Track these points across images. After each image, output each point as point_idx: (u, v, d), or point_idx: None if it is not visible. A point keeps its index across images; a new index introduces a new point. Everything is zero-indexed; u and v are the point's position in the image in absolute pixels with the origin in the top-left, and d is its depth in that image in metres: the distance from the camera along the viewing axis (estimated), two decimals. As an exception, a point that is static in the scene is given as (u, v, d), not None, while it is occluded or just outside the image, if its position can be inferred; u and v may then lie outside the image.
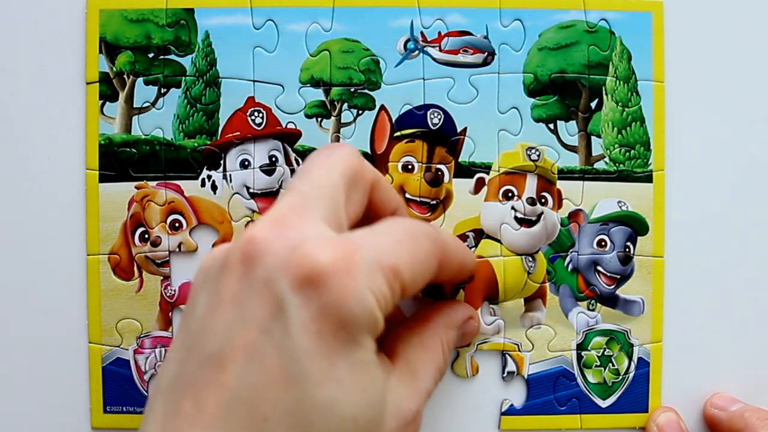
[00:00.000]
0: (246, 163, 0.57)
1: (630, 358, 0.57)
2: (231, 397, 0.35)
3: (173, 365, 0.38)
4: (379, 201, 0.46)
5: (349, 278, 0.36)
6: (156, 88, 0.56)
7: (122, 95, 0.56)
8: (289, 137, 0.57)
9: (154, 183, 0.56)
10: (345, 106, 0.57)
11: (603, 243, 0.58)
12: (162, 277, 0.57)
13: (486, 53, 0.57)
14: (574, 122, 0.57)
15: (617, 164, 0.57)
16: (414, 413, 0.41)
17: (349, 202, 0.43)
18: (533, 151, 0.57)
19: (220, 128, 0.56)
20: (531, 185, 0.57)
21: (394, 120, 0.57)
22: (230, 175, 0.56)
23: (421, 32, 0.56)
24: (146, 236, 0.57)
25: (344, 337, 0.36)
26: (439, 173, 0.57)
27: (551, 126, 0.57)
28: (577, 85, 0.57)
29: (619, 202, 0.57)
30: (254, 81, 0.56)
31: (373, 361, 0.38)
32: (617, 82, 0.57)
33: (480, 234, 0.57)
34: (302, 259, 0.36)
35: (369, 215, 0.46)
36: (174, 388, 0.37)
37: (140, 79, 0.56)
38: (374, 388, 0.38)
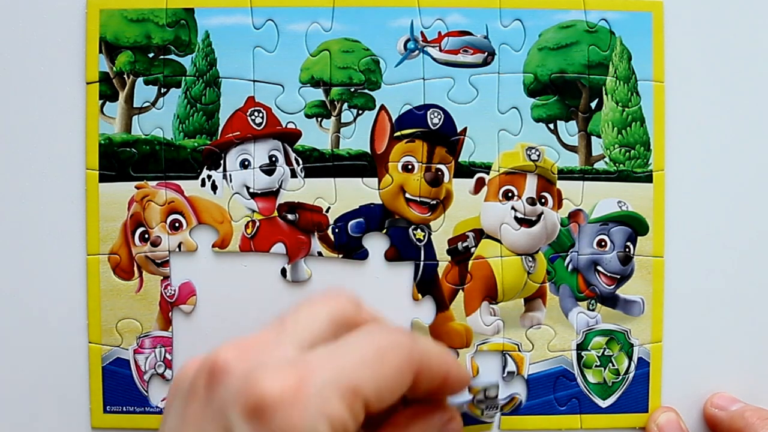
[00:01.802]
0: (246, 162, 0.57)
1: (630, 358, 0.57)
2: None
3: None
4: (425, 383, 0.43)
5: (296, 409, 0.36)
6: (156, 88, 0.56)
7: (122, 95, 0.56)
8: (289, 137, 0.57)
9: (154, 183, 0.56)
10: (345, 106, 0.57)
11: (603, 243, 0.58)
12: (162, 277, 0.57)
13: (486, 53, 0.57)
14: (574, 122, 0.57)
15: (617, 164, 0.57)
16: None
17: (389, 389, 0.40)
18: (533, 151, 0.57)
19: (220, 128, 0.56)
20: (531, 185, 0.57)
21: (394, 120, 0.57)
22: (230, 175, 0.56)
23: (421, 32, 0.56)
24: (146, 236, 0.57)
25: None
26: (439, 173, 0.57)
27: (551, 126, 0.57)
28: (577, 85, 0.57)
29: (619, 202, 0.57)
30: (254, 81, 0.56)
31: None
32: (617, 82, 0.57)
33: (480, 234, 0.57)
34: (252, 389, 0.36)
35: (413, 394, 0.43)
36: None
37: (140, 79, 0.56)
38: None
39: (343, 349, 0.39)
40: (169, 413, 0.40)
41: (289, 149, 0.57)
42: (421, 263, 0.57)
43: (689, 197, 0.57)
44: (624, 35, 0.57)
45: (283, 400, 0.36)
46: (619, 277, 0.57)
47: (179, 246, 0.57)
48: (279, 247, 0.56)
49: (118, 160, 0.56)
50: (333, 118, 0.57)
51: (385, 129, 0.57)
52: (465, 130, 0.57)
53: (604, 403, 0.57)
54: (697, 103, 0.57)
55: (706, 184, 0.58)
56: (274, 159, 0.57)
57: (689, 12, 0.57)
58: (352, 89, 0.57)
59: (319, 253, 0.57)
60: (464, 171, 0.57)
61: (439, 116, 0.57)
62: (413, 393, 0.42)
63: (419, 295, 0.57)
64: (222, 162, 0.57)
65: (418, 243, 0.57)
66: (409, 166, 0.57)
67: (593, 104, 0.58)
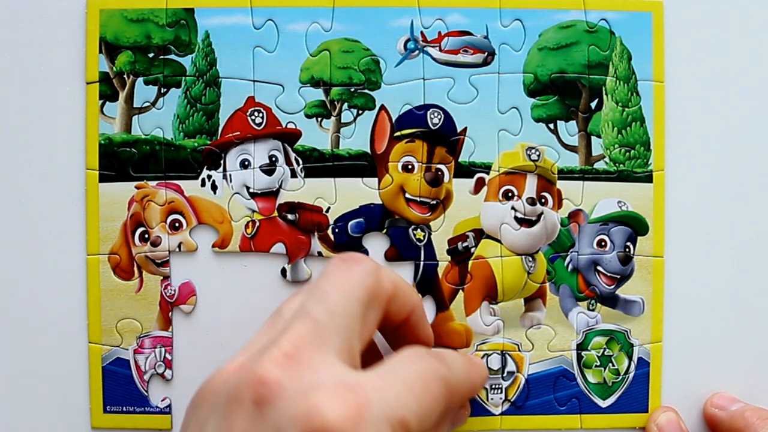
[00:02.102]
0: (246, 162, 0.57)
1: (630, 358, 0.57)
2: None
3: None
4: (395, 310, 0.46)
5: None
6: (156, 88, 0.56)
7: (122, 95, 0.56)
8: (289, 137, 0.57)
9: (154, 183, 0.56)
10: (345, 106, 0.57)
11: (603, 243, 0.58)
12: (162, 277, 0.57)
13: (486, 53, 0.57)
14: (574, 122, 0.57)
15: (617, 164, 0.57)
16: None
17: (365, 326, 0.43)
18: (533, 151, 0.57)
19: (220, 128, 0.56)
20: (531, 185, 0.57)
21: (394, 120, 0.57)
22: (230, 175, 0.56)
23: (421, 32, 0.56)
24: (146, 236, 0.57)
25: None
26: (439, 173, 0.57)
27: (551, 126, 0.57)
28: (577, 85, 0.57)
29: (619, 202, 0.57)
30: (254, 81, 0.56)
31: None
32: (617, 82, 0.57)
33: (480, 234, 0.57)
34: (313, 415, 0.36)
35: (384, 323, 0.46)
36: None
37: (140, 79, 0.56)
38: None
39: (392, 377, 0.40)
40: (208, 423, 0.39)
41: (289, 149, 0.57)
42: (421, 263, 0.57)
43: (689, 197, 0.57)
44: (624, 35, 0.57)
45: (345, 428, 0.36)
46: (619, 277, 0.57)
47: (179, 246, 0.57)
48: (279, 247, 0.56)
49: (118, 160, 0.56)
50: (333, 118, 0.57)
51: (385, 129, 0.57)
52: (465, 130, 0.57)
53: (604, 403, 0.57)
54: (697, 103, 0.57)
55: (706, 184, 0.58)
56: (274, 159, 0.57)
57: (689, 12, 0.57)
58: (352, 89, 0.57)
59: (319, 253, 0.57)
60: (464, 171, 0.57)
61: (439, 116, 0.57)
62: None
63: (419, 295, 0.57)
64: (222, 162, 0.57)
65: (418, 243, 0.57)
66: (409, 166, 0.57)
67: (593, 104, 0.58)
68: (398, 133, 0.57)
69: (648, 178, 0.57)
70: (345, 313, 0.41)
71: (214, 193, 0.57)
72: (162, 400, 0.57)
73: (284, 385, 0.37)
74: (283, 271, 0.56)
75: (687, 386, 0.57)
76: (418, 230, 0.57)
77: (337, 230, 0.57)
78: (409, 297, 0.47)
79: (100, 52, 0.56)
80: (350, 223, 0.57)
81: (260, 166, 0.57)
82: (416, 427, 0.39)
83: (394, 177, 0.57)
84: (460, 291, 0.57)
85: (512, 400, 0.57)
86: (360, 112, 0.57)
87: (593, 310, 0.58)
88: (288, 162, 0.57)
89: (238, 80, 0.56)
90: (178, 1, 0.56)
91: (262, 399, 0.37)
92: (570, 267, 0.58)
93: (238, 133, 0.56)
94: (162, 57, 0.56)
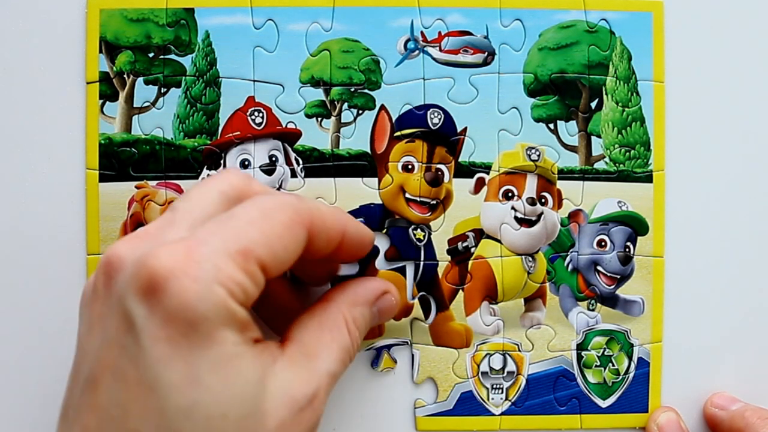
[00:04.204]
0: (246, 162, 0.57)
1: (630, 358, 0.57)
2: (104, 418, 0.37)
3: (66, 394, 0.40)
4: (317, 232, 0.42)
5: (188, 278, 0.36)
6: (156, 87, 0.56)
7: (122, 95, 0.56)
8: (290, 137, 0.57)
9: (154, 183, 0.56)
10: (345, 105, 0.57)
11: (603, 243, 0.58)
12: (162, 277, 0.57)
13: (486, 53, 0.57)
14: (574, 122, 0.57)
15: (617, 164, 0.57)
16: (309, 397, 0.40)
17: (282, 246, 0.40)
18: (533, 151, 0.57)
19: (220, 128, 0.56)
20: (531, 185, 0.57)
21: (394, 120, 0.57)
22: (230, 175, 0.56)
23: (421, 32, 0.57)
24: (146, 236, 0.56)
25: (197, 337, 0.36)
26: (439, 173, 0.57)
27: (551, 126, 0.57)
28: (577, 85, 0.57)
29: (619, 202, 0.57)
30: (254, 81, 0.56)
31: (238, 354, 0.37)
32: (617, 82, 0.57)
33: (480, 234, 0.57)
34: (143, 269, 0.36)
35: (317, 250, 0.43)
36: (66, 417, 0.40)
37: (140, 79, 0.56)
38: (243, 380, 0.37)
39: (230, 217, 0.39)
40: (79, 323, 0.40)
41: (289, 149, 0.57)
42: (421, 263, 0.57)
43: (689, 197, 0.58)
44: (624, 35, 0.57)
45: (173, 271, 0.36)
46: (619, 277, 0.57)
47: (179, 246, 0.57)
48: (279, 247, 0.56)
49: (118, 160, 0.56)
50: (333, 118, 0.57)
51: (385, 129, 0.57)
52: (465, 130, 0.57)
53: (604, 403, 0.57)
54: (697, 103, 0.57)
55: (706, 184, 0.58)
56: (274, 159, 0.57)
57: (689, 12, 0.57)
58: (352, 89, 0.57)
59: (319, 253, 0.56)
60: (464, 171, 0.57)
61: (439, 116, 0.57)
62: (313, 253, 0.42)
63: (416, 291, 0.57)
64: (222, 162, 0.57)
65: (418, 243, 0.57)
66: (409, 166, 0.57)
67: (593, 104, 0.58)
68: (398, 133, 0.57)
69: (648, 178, 0.57)
70: (200, 200, 0.41)
71: (214, 193, 0.57)
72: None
73: (124, 256, 0.38)
74: (283, 271, 0.56)
75: (687, 386, 0.57)
76: (418, 230, 0.57)
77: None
78: (335, 221, 0.43)
79: (100, 51, 0.56)
80: (350, 223, 0.56)
81: (260, 166, 0.57)
82: (266, 255, 0.38)
83: (394, 177, 0.57)
84: (460, 291, 0.57)
85: (512, 400, 0.57)
86: (360, 112, 0.57)
87: (593, 310, 0.58)
88: (288, 162, 0.57)
89: (238, 80, 0.56)
90: (178, 0, 0.56)
91: (107, 277, 0.38)
92: (570, 267, 0.58)
93: (238, 133, 0.56)
94: (162, 57, 0.56)
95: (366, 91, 0.57)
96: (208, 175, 0.56)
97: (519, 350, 0.57)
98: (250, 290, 0.38)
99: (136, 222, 0.56)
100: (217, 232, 0.38)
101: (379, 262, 0.56)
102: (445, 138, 0.57)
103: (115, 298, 0.37)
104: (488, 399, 0.57)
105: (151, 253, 0.36)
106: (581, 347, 0.57)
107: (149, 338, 0.36)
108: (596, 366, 0.57)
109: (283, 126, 0.57)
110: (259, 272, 0.38)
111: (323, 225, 0.42)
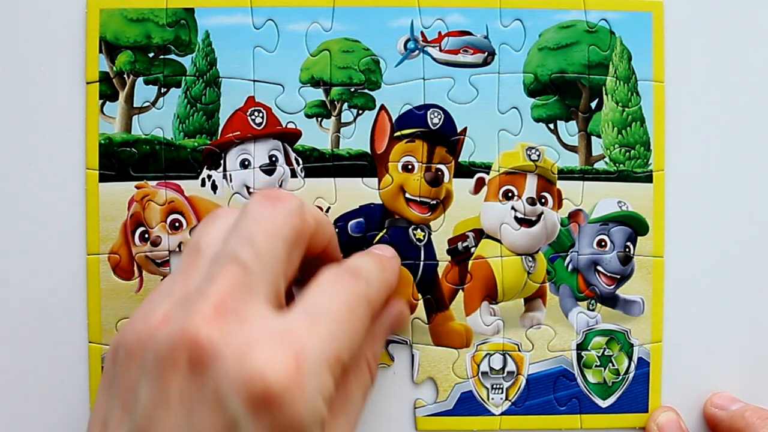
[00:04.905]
0: (246, 162, 0.57)
1: (630, 358, 0.57)
2: None
3: None
4: (315, 244, 0.45)
5: (300, 392, 0.36)
6: (156, 87, 0.56)
7: (122, 95, 0.56)
8: (290, 137, 0.57)
9: (154, 183, 0.56)
10: (345, 105, 0.57)
11: (603, 243, 0.58)
12: (162, 277, 0.57)
13: (486, 53, 0.57)
14: (574, 122, 0.57)
15: (617, 164, 0.57)
16: None
17: (290, 266, 0.42)
18: (533, 151, 0.57)
19: (220, 128, 0.56)
20: (531, 185, 0.57)
21: (394, 120, 0.57)
22: (230, 175, 0.56)
23: (421, 32, 0.57)
24: (146, 236, 0.57)
25: None
26: (439, 173, 0.57)
27: (551, 126, 0.57)
28: (577, 85, 0.57)
29: (619, 202, 0.57)
30: (254, 81, 0.56)
31: None
32: (617, 82, 0.57)
33: (480, 234, 0.57)
34: (254, 378, 0.36)
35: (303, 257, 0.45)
36: None
37: (140, 79, 0.56)
38: None
39: (320, 314, 0.39)
40: (139, 384, 0.37)
41: (289, 149, 0.57)
42: (421, 263, 0.57)
43: (689, 197, 0.58)
44: (624, 35, 0.57)
45: (287, 386, 0.36)
46: (619, 277, 0.57)
47: (179, 246, 0.57)
48: (279, 247, 0.56)
49: (118, 160, 0.56)
50: (333, 118, 0.57)
51: (385, 129, 0.57)
52: (465, 130, 0.57)
53: (604, 403, 0.57)
54: (697, 103, 0.57)
55: (706, 184, 0.58)
56: (274, 159, 0.57)
57: (689, 12, 0.57)
58: (352, 89, 0.57)
59: (319, 253, 0.57)
60: (464, 171, 0.57)
61: (439, 116, 0.57)
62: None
63: (419, 295, 0.57)
64: (222, 162, 0.57)
65: (418, 243, 0.57)
66: (409, 166, 0.57)
67: (593, 104, 0.58)
68: (398, 133, 0.57)
69: (648, 178, 0.57)
70: (272, 256, 0.40)
71: (214, 193, 0.57)
72: (162, 400, 0.57)
73: (220, 347, 0.36)
74: (283, 271, 0.56)
75: (687, 386, 0.57)
76: (418, 230, 0.57)
77: (337, 230, 0.57)
78: (328, 230, 0.46)
79: (100, 51, 0.56)
80: (350, 223, 0.57)
81: (260, 166, 0.57)
82: (348, 357, 0.39)
83: (394, 177, 0.57)
84: (460, 291, 0.57)
85: (512, 400, 0.57)
86: (360, 112, 0.57)
87: (593, 310, 0.58)
88: (288, 162, 0.57)
89: (238, 80, 0.56)
90: (178, 0, 0.56)
91: (198, 363, 0.36)
92: (570, 267, 0.58)
93: (238, 132, 0.56)
94: (162, 57, 0.56)
95: (366, 91, 0.57)
96: (208, 175, 0.56)
97: (519, 350, 0.57)
98: (333, 392, 0.39)
99: (136, 222, 0.56)
100: (313, 331, 0.38)
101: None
102: (445, 138, 0.57)
103: (210, 391, 0.36)
104: (488, 399, 0.57)
105: (258, 356, 0.36)
106: (581, 347, 0.57)
107: None
108: (596, 366, 0.57)
109: (283, 126, 0.57)
110: (341, 373, 0.39)
111: (381, 303, 0.46)
